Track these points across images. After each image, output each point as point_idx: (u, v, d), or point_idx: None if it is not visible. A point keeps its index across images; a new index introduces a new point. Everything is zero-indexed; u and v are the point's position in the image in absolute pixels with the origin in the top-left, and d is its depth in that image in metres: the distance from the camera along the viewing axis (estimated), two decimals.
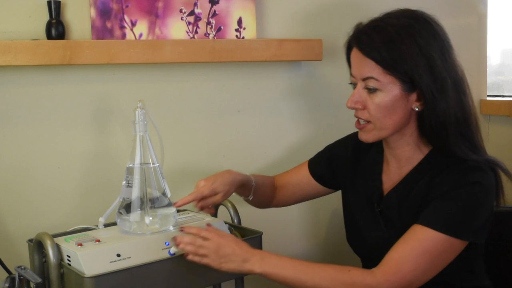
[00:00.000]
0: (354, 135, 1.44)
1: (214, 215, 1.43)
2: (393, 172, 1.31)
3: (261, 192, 1.44)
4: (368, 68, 1.20)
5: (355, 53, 1.24)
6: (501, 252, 1.46)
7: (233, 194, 1.37)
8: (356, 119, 1.27)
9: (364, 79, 1.22)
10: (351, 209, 1.39)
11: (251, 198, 1.40)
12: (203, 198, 1.28)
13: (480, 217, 1.18)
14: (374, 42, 1.19)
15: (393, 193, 1.27)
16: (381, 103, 1.21)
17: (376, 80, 1.20)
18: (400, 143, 1.27)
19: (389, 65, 1.18)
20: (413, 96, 1.21)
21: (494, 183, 1.21)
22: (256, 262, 1.16)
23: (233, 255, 1.16)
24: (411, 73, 1.18)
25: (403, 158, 1.29)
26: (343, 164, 1.42)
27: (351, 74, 1.27)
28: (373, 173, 1.34)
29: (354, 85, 1.26)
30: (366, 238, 1.32)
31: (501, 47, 2.05)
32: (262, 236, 1.30)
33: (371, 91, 1.21)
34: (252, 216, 1.48)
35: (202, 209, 1.30)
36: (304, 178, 1.48)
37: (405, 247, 1.16)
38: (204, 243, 1.16)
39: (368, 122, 1.24)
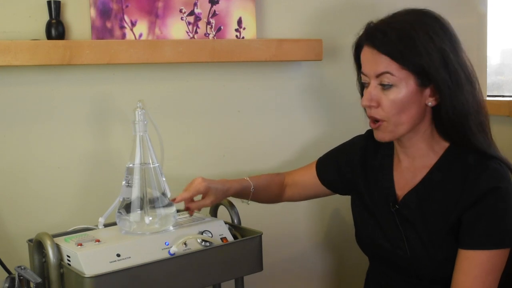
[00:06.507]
0: (359, 139, 1.44)
1: (214, 215, 1.43)
2: (406, 171, 1.30)
3: (265, 193, 1.45)
4: (384, 64, 1.19)
5: (368, 51, 1.23)
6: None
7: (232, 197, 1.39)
8: (367, 120, 1.26)
9: (379, 76, 1.21)
10: (363, 209, 1.38)
11: (248, 203, 1.41)
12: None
13: None
14: (390, 38, 1.19)
15: (414, 193, 1.26)
16: (396, 99, 1.20)
17: (392, 75, 1.19)
18: (414, 140, 1.27)
19: (406, 60, 1.18)
20: (427, 91, 1.21)
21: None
22: None
23: None
24: (427, 67, 1.18)
25: (417, 156, 1.28)
26: (353, 169, 1.41)
27: (362, 73, 1.26)
28: (385, 173, 1.33)
29: (365, 84, 1.26)
30: (379, 237, 1.32)
31: (501, 47, 2.05)
32: (262, 236, 1.29)
33: (386, 87, 1.20)
34: (252, 216, 1.47)
35: (188, 209, 1.31)
36: (312, 181, 1.48)
37: (469, 278, 1.17)
38: None
39: (383, 120, 1.23)
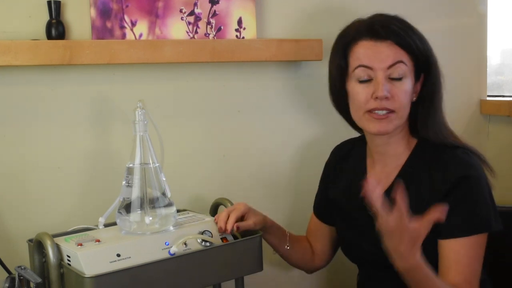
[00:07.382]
0: (327, 161, 1.48)
1: (214, 215, 1.43)
2: (379, 172, 1.32)
3: (300, 246, 1.45)
4: (397, 54, 1.21)
5: (375, 45, 1.22)
6: (500, 251, 1.46)
7: (272, 252, 1.41)
8: (366, 112, 1.25)
9: (391, 66, 1.21)
10: (342, 218, 1.39)
11: (288, 247, 1.39)
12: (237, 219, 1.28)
13: (492, 201, 1.22)
14: (398, 29, 1.21)
15: (388, 194, 1.25)
16: (407, 90, 1.22)
17: (405, 64, 1.21)
18: (396, 138, 1.28)
19: (416, 48, 1.22)
20: (415, 86, 1.26)
21: (481, 164, 1.25)
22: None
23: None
24: (430, 56, 1.24)
25: (391, 155, 1.30)
26: (330, 186, 1.44)
27: (362, 66, 1.23)
28: (358, 178, 1.32)
29: (363, 80, 1.24)
30: (362, 242, 1.32)
31: (501, 47, 2.05)
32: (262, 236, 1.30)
33: (397, 79, 1.21)
34: None
35: (238, 229, 1.27)
36: (318, 226, 1.49)
37: (458, 270, 1.18)
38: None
39: (393, 112, 1.22)
